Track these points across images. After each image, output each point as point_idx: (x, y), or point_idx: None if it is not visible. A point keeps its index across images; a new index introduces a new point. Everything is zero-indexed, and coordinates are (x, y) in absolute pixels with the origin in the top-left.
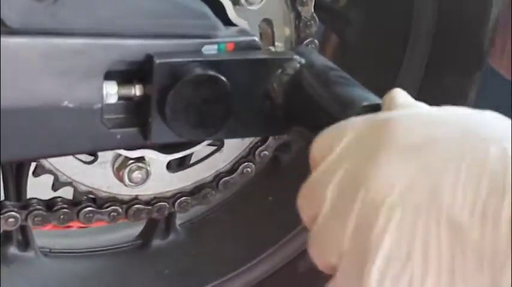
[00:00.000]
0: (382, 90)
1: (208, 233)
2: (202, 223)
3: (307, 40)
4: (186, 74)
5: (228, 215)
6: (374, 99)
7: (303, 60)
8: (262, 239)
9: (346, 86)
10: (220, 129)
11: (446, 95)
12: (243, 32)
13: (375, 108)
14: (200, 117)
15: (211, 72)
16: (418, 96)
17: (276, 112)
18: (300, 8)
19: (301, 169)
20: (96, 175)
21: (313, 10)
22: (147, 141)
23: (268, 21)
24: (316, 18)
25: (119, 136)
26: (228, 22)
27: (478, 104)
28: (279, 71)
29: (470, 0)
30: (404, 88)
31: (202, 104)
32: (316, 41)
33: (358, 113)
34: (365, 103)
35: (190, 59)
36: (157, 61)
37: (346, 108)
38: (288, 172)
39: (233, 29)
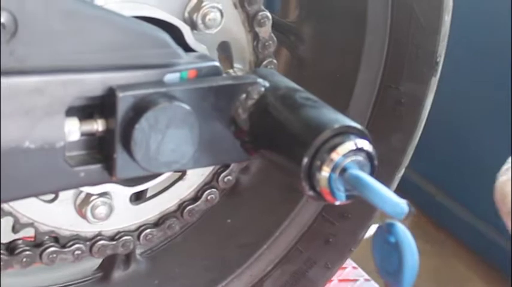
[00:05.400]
0: (338, 102)
1: (170, 261)
2: (163, 251)
3: (266, 61)
4: (150, 105)
5: (188, 241)
6: (343, 120)
7: (266, 83)
8: (225, 263)
9: (314, 109)
10: (188, 160)
11: (402, 103)
12: (203, 57)
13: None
14: (167, 149)
15: (176, 103)
16: (374, 107)
17: (242, 138)
18: (257, 29)
19: (258, 189)
20: (58, 214)
21: (270, 30)
22: (113, 177)
23: (226, 44)
24: (274, 38)
25: (82, 174)
26: (186, 47)
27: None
28: (243, 96)
29: (423, 9)
30: (360, 99)
31: (167, 135)
32: (275, 61)
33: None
34: (336, 125)
35: (154, 90)
36: (120, 94)
37: (316, 132)
38: (245, 193)
39: (193, 55)
